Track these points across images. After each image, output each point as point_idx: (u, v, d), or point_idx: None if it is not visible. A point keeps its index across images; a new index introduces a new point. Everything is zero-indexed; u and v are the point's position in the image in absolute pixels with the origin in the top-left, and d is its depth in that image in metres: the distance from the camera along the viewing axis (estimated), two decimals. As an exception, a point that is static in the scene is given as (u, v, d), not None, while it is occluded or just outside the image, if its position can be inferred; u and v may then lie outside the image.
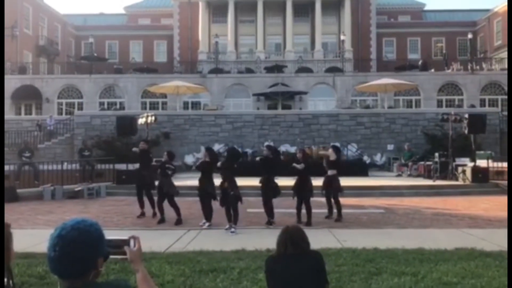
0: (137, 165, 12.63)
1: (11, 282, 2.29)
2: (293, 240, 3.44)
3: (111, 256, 2.04)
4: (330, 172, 10.91)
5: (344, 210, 11.58)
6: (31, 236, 8.25)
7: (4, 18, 29.62)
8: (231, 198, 9.48)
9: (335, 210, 10.85)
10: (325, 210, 11.02)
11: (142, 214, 11.33)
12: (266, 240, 6.92)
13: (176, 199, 10.76)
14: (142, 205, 11.44)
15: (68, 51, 44.43)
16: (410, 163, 21.14)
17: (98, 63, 36.16)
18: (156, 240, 8.00)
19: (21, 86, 31.97)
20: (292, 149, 22.44)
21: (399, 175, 20.93)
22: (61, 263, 1.86)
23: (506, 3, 39.16)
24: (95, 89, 32.80)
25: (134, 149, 12.48)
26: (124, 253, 2.12)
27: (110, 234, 2.10)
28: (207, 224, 9.93)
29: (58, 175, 16.49)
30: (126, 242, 2.13)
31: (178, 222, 10.32)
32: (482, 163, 17.70)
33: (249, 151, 22.76)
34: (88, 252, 1.88)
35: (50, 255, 1.87)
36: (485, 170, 17.11)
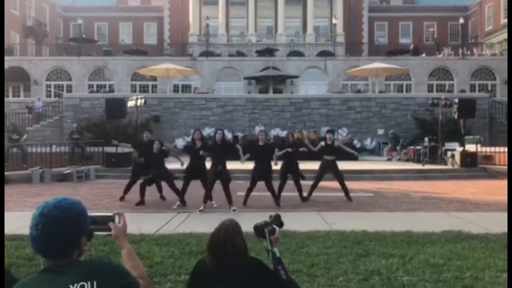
0: (126, 149, 12.50)
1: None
2: (219, 248, 2.75)
3: (96, 233, 2.02)
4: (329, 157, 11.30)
5: (333, 194, 11.70)
6: (20, 219, 8.18)
7: (4, 18, 29.02)
8: (224, 180, 9.83)
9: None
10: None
11: (142, 202, 10.91)
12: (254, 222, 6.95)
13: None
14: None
15: (57, 33, 43.72)
16: (398, 148, 21.28)
17: (87, 45, 35.64)
18: (146, 223, 7.99)
19: (9, 68, 31.47)
20: (283, 133, 22.45)
21: (389, 159, 21.08)
22: (44, 242, 1.83)
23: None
24: (84, 71, 32.41)
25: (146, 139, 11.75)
26: (109, 230, 2.11)
27: (93, 212, 2.07)
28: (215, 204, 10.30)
29: (47, 158, 16.36)
30: (111, 218, 2.12)
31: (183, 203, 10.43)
32: (471, 147, 17.86)
33: (240, 135, 22.72)
34: (71, 230, 1.85)
35: (33, 234, 1.85)
36: (474, 154, 17.29)
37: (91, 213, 2.02)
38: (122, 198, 11.24)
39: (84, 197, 11.43)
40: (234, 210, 9.57)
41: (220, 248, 2.75)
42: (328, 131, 12.55)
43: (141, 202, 10.67)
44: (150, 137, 11.48)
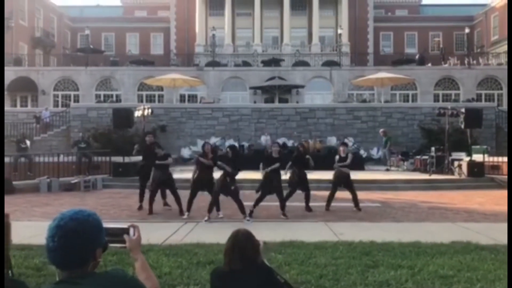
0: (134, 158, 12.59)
1: (10, 271, 2.28)
2: (240, 249, 2.97)
3: (110, 245, 2.04)
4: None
5: (340, 204, 11.67)
6: (28, 228, 8.23)
7: (4, 18, 29.36)
8: (234, 192, 9.85)
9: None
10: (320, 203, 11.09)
11: (141, 207, 11.36)
12: (264, 232, 6.93)
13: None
14: (143, 198, 11.46)
15: (64, 43, 44.16)
16: (386, 150, 20.97)
17: (94, 55, 35.97)
18: (153, 233, 8.00)
19: (17, 78, 31.79)
20: (289, 143, 22.46)
21: (387, 170, 20.46)
22: (60, 254, 1.85)
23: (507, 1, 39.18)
24: (91, 81, 32.65)
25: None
26: (123, 242, 2.12)
27: (108, 224, 2.09)
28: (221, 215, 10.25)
29: (54, 167, 16.44)
30: (125, 231, 2.13)
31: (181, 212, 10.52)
32: (478, 157, 17.77)
33: (245, 144, 22.75)
34: (87, 242, 1.87)
35: (49, 245, 1.86)
36: (481, 164, 17.19)
37: (106, 225, 2.03)
38: (140, 208, 11.29)
39: (91, 206, 11.46)
40: (248, 220, 9.57)
41: (240, 250, 2.95)
42: (342, 143, 12.70)
43: (150, 211, 10.77)
44: (152, 140, 11.66)
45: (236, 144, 22.58)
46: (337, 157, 11.63)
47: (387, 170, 20.39)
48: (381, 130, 22.38)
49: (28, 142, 18.20)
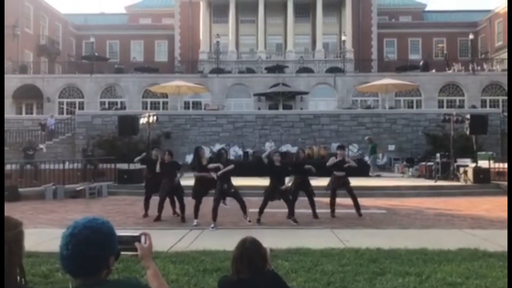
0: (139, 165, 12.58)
1: (23, 280, 2.29)
2: (248, 257, 2.93)
3: (122, 253, 2.04)
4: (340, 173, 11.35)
5: (346, 210, 11.65)
6: (34, 235, 8.24)
7: (4, 18, 29.60)
8: (236, 194, 10.08)
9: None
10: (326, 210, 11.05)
11: (147, 215, 11.38)
12: (269, 239, 6.91)
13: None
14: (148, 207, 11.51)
15: (69, 51, 44.43)
16: (371, 158, 20.87)
17: (99, 62, 36.15)
18: (159, 240, 7.97)
19: (22, 86, 31.97)
20: (294, 149, 22.42)
21: (377, 176, 20.35)
22: (74, 261, 1.85)
23: (507, 4, 39.17)
24: (96, 88, 32.80)
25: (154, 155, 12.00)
26: (135, 250, 2.12)
27: (119, 232, 2.10)
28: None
29: (59, 175, 16.49)
30: (137, 238, 2.14)
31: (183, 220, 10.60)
32: (483, 163, 17.70)
33: (250, 151, 22.75)
34: (101, 251, 1.87)
35: (63, 253, 1.87)
36: (487, 170, 17.12)
37: (118, 233, 2.04)
38: (145, 215, 11.32)
39: (96, 213, 11.46)
40: (249, 221, 9.71)
41: (249, 258, 2.92)
42: (338, 147, 12.35)
43: (158, 218, 10.79)
44: (158, 155, 11.68)
45: (241, 151, 22.71)
46: (332, 158, 11.70)
47: (375, 176, 20.24)
48: (367, 137, 22.37)
49: (41, 146, 18.32)
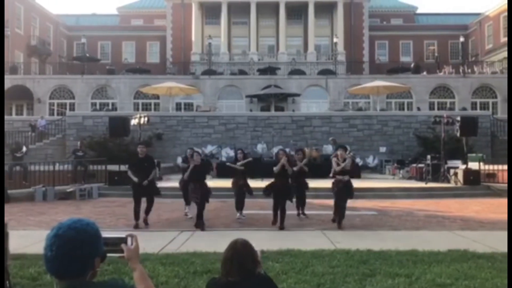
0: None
1: (7, 282, 2.26)
2: (239, 259, 2.85)
3: (108, 254, 2.02)
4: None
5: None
6: (23, 238, 8.16)
7: (4, 18, 29.39)
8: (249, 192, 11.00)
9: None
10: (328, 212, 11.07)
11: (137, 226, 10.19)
12: (261, 242, 6.91)
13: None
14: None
15: (60, 52, 44.14)
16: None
17: (90, 63, 35.94)
18: (149, 242, 7.94)
19: (12, 86, 31.68)
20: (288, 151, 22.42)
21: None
22: (58, 263, 1.83)
23: (497, 8, 39.55)
24: (87, 89, 32.61)
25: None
26: (121, 251, 2.10)
27: (105, 233, 2.08)
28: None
29: (49, 176, 16.35)
30: (123, 240, 2.11)
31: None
32: (473, 165, 17.82)
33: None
34: (86, 252, 1.85)
35: (47, 255, 1.85)
36: (477, 172, 17.24)
37: (104, 234, 2.02)
38: (136, 226, 10.02)
39: (87, 215, 11.39)
40: (244, 217, 10.36)
41: (239, 261, 2.84)
42: (340, 147, 11.45)
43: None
44: (144, 152, 10.67)
45: (232, 153, 22.64)
46: (334, 162, 10.38)
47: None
48: (330, 138, 22.26)
49: (24, 149, 18.11)
